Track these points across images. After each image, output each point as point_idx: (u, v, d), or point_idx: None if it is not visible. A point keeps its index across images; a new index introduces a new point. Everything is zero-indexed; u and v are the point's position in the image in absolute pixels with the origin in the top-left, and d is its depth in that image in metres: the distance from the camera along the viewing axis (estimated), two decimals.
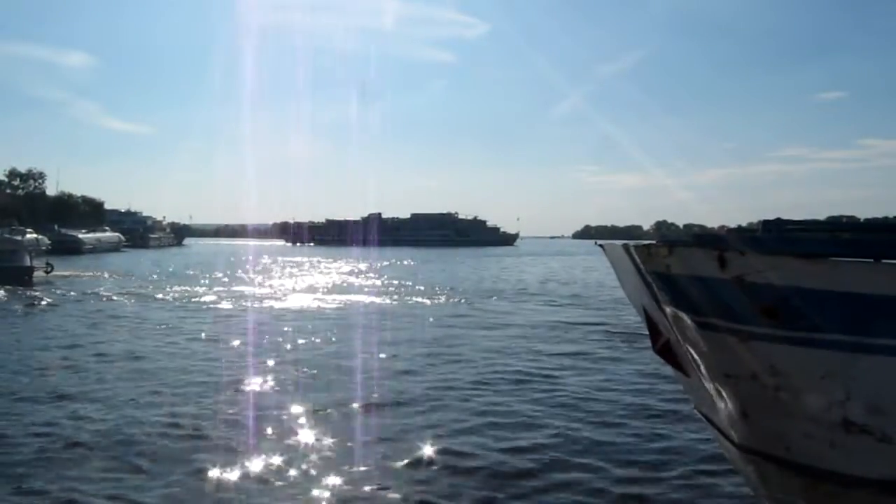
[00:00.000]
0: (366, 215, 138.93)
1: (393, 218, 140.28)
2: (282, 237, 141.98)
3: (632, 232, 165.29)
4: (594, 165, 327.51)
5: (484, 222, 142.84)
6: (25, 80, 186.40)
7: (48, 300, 22.25)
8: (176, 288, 27.98)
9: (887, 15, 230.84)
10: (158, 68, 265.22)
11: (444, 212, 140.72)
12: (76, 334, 15.07)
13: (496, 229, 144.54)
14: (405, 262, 57.18)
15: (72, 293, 24.94)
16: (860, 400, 3.13)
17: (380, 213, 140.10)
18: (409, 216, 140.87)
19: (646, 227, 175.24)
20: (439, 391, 9.61)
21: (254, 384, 9.93)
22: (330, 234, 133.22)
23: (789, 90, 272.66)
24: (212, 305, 21.99)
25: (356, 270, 45.03)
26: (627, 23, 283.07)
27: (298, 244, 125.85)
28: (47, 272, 32.41)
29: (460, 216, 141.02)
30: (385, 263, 54.33)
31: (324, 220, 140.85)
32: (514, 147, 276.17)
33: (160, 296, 24.74)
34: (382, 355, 12.35)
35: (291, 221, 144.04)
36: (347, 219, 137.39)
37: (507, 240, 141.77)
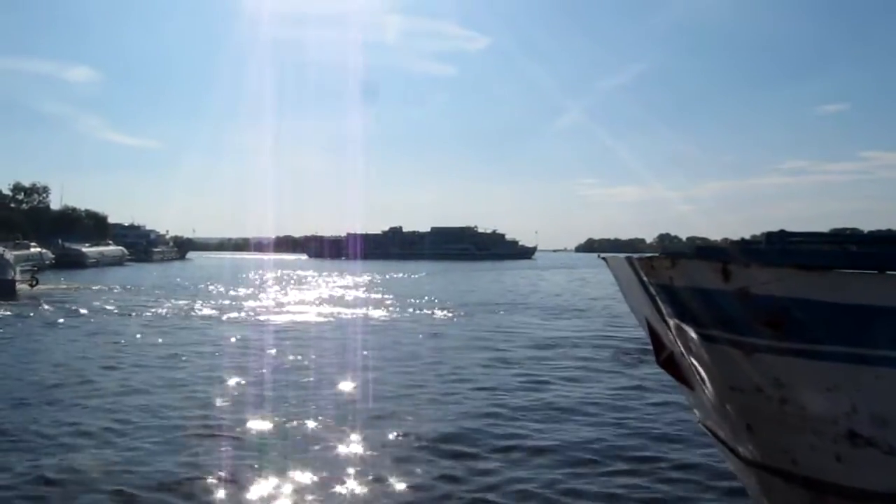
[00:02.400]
0: (386, 229, 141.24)
1: (413, 231, 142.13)
2: (301, 251, 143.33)
3: (635, 245, 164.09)
4: (596, 178, 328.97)
5: (503, 236, 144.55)
6: (30, 95, 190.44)
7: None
8: (177, 301, 28.27)
9: (888, 26, 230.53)
10: (163, 83, 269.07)
11: (464, 226, 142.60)
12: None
13: (515, 243, 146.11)
14: (436, 275, 57.82)
15: (47, 308, 23.98)
16: (866, 412, 3.22)
17: (400, 227, 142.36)
18: (429, 230, 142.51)
19: (649, 239, 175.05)
20: None
21: None
22: (350, 248, 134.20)
23: (790, 102, 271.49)
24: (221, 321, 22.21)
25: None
26: (627, 36, 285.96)
27: (320, 258, 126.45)
28: (32, 286, 32.35)
29: (479, 230, 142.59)
30: (421, 275, 54.42)
31: (344, 234, 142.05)
32: (517, 160, 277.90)
33: (161, 309, 25.03)
34: None
35: (310, 235, 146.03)
36: (368, 232, 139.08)
37: (526, 253, 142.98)
